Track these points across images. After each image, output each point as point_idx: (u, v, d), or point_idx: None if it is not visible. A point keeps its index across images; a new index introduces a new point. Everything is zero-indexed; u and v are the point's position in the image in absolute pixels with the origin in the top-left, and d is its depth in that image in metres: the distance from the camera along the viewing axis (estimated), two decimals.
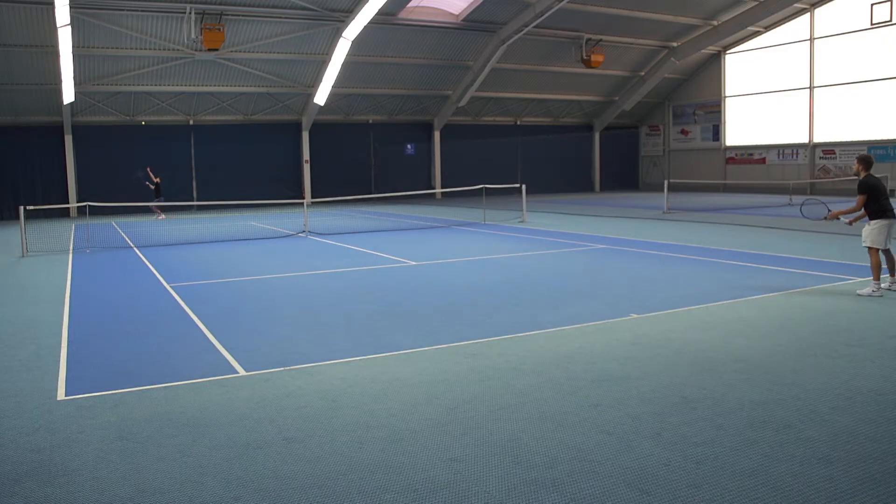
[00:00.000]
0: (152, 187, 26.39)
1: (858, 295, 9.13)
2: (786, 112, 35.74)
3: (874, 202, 9.30)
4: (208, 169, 32.69)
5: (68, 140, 29.82)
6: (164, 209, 28.16)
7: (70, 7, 22.74)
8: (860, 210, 9.42)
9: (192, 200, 30.98)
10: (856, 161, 9.64)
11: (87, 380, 6.29)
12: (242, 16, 26.68)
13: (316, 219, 24.00)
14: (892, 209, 9.32)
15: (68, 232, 21.59)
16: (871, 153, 32.36)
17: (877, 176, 9.63)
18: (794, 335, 7.26)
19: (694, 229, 18.49)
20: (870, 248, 9.33)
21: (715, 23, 34.48)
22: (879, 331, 7.37)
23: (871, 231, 9.30)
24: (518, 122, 40.57)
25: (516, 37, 31.03)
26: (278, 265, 13.41)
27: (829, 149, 34.13)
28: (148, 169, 26.91)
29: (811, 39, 33.99)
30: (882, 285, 9.28)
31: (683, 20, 33.79)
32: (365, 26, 27.73)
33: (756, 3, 32.56)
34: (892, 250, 9.57)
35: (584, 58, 34.01)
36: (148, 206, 26.64)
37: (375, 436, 4.80)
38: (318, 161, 34.94)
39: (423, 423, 5.02)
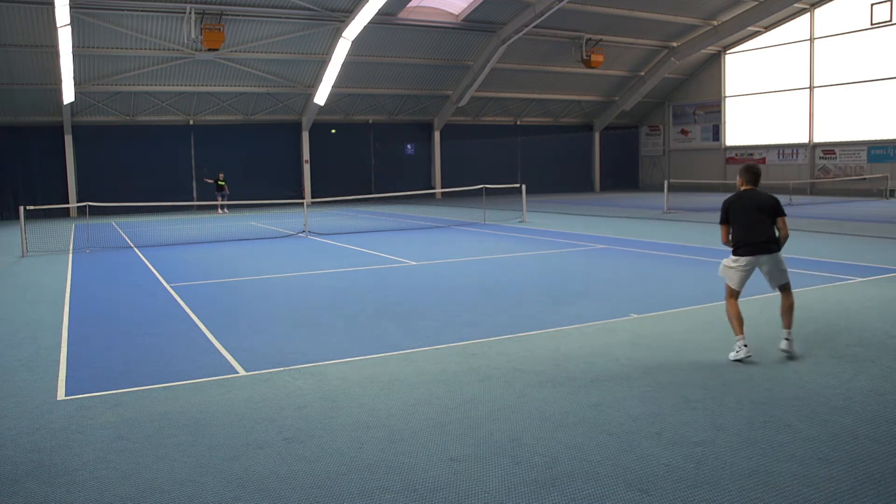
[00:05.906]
0: (210, 181, 29.98)
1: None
2: (786, 112, 35.72)
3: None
4: (208, 169, 32.68)
5: (68, 140, 29.79)
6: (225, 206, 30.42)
7: (70, 7, 22.72)
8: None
9: (192, 200, 30.99)
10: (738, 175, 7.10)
11: (87, 380, 6.29)
12: (242, 16, 26.66)
13: (316, 219, 23.99)
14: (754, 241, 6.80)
15: (68, 232, 21.58)
16: (874, 149, 32.78)
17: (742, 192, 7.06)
18: (794, 335, 7.25)
19: (694, 229, 18.48)
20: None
21: (715, 23, 34.45)
22: (879, 331, 7.37)
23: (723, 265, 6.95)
24: (518, 122, 40.53)
25: (516, 37, 31.01)
26: (278, 265, 13.41)
27: (829, 149, 34.12)
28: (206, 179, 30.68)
29: (811, 39, 33.97)
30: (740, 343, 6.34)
31: (683, 20, 33.76)
32: (365, 26, 27.71)
33: (756, 3, 32.53)
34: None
35: (584, 58, 33.98)
36: (216, 205, 29.56)
37: (375, 436, 4.80)
38: (318, 161, 34.94)
39: (423, 423, 5.02)
